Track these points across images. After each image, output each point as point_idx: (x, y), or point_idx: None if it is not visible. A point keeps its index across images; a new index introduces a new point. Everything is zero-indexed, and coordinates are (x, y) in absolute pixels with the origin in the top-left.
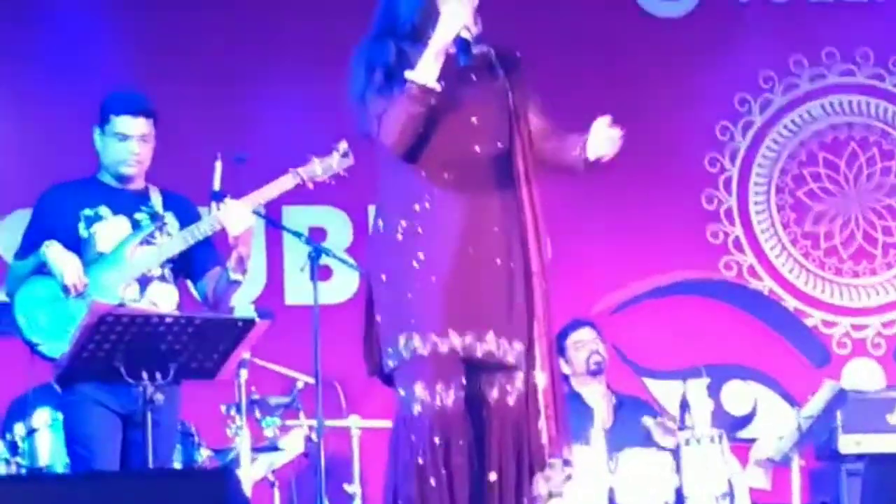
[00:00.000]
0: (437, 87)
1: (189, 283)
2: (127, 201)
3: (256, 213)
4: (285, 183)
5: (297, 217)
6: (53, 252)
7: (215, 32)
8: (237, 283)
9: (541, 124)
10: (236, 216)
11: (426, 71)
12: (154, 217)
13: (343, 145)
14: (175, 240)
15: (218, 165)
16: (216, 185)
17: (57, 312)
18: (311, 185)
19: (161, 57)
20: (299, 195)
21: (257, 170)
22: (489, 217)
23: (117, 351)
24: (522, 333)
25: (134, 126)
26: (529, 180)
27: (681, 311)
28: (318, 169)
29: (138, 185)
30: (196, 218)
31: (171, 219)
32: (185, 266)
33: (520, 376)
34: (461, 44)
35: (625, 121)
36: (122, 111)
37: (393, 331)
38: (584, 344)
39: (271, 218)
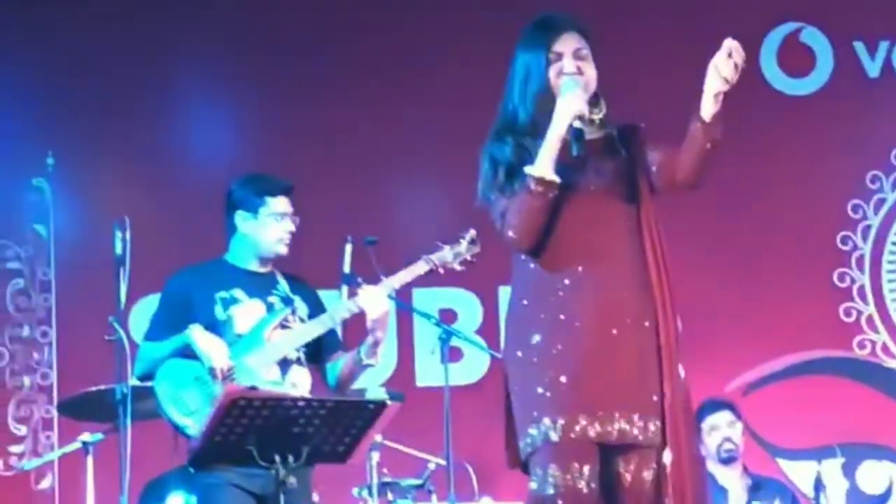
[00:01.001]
0: (556, 179)
1: (315, 366)
2: (259, 284)
3: (388, 296)
4: (418, 269)
5: (428, 299)
6: (199, 335)
7: (349, 115)
8: (369, 367)
9: (661, 156)
10: (375, 300)
11: (543, 164)
12: (286, 300)
13: (471, 233)
14: (314, 323)
15: (348, 248)
16: (346, 268)
17: (203, 395)
18: (442, 272)
19: (293, 141)
20: (429, 278)
21: (384, 254)
22: (620, 300)
23: (249, 434)
24: (656, 411)
25: (288, 205)
26: (658, 258)
27: (814, 391)
28: (449, 256)
29: (266, 268)
30: (317, 302)
31: (299, 303)
32: (316, 350)
33: (655, 456)
34: (575, 133)
35: (756, 198)
36: (279, 192)
37: (526, 418)
38: (717, 429)
39: (402, 301)
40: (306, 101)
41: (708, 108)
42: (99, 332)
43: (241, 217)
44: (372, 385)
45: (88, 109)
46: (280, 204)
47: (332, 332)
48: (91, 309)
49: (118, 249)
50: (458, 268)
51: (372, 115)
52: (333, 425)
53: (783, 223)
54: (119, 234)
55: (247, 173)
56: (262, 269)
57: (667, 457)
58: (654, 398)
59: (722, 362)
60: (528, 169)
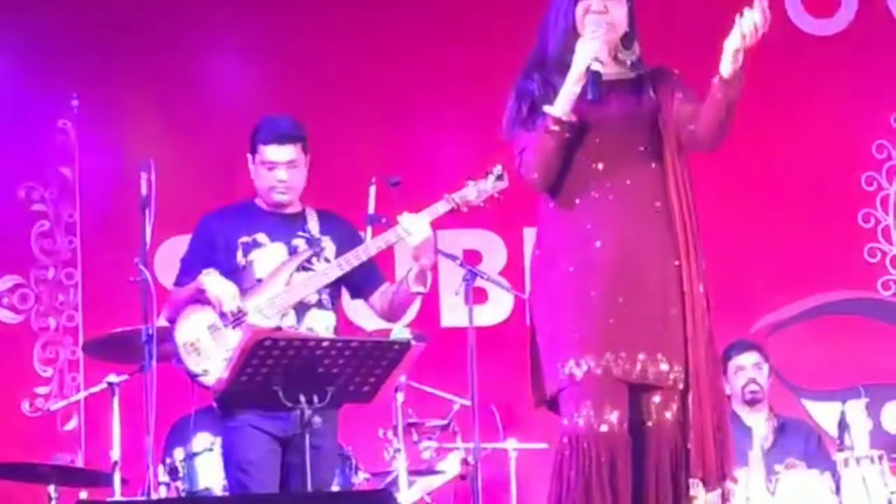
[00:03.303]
0: (572, 119)
1: (360, 301)
2: (284, 226)
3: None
4: (439, 208)
5: (452, 241)
6: (210, 281)
7: (374, 58)
8: (419, 293)
9: (689, 108)
10: (417, 226)
11: (561, 104)
12: (311, 242)
13: (498, 168)
14: (335, 265)
15: (372, 189)
16: (371, 208)
17: (217, 342)
18: (465, 210)
19: (318, 83)
20: (454, 219)
21: (411, 193)
22: (644, 239)
23: (275, 375)
24: (679, 352)
25: (281, 153)
26: (682, 199)
27: (838, 331)
28: (473, 193)
29: (295, 208)
30: (354, 238)
31: (328, 243)
32: (357, 287)
33: (678, 396)
34: (592, 76)
35: (780, 140)
36: (270, 140)
37: (552, 357)
38: (743, 371)
39: None
40: (331, 41)
41: (727, 64)
42: (124, 273)
43: (250, 161)
44: (397, 326)
45: (113, 51)
46: (270, 152)
47: (369, 267)
48: (116, 251)
49: (143, 191)
50: (481, 205)
51: (398, 52)
52: (358, 365)
53: (807, 164)
54: (144, 176)
55: (266, 115)
56: (290, 210)
57: (690, 399)
58: (679, 339)
59: (747, 304)
60: (546, 108)
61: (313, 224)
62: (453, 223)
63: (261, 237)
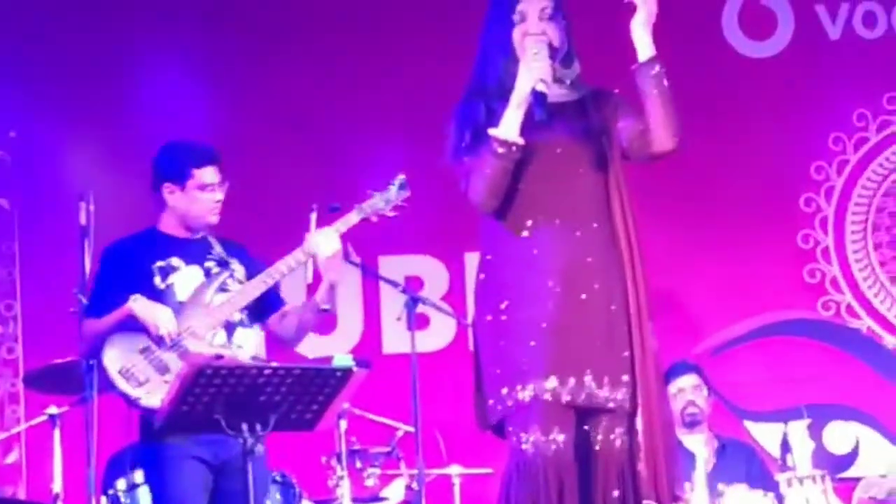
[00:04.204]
0: (519, 141)
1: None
2: (194, 250)
3: (353, 262)
4: (351, 218)
5: (394, 266)
6: (142, 306)
7: (313, 84)
8: (326, 312)
9: (634, 123)
10: (324, 240)
11: (507, 127)
12: (221, 264)
13: (401, 178)
14: (254, 283)
15: (313, 217)
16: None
17: (153, 364)
18: (374, 219)
19: (257, 109)
20: (395, 245)
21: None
22: (588, 262)
23: (216, 403)
24: (626, 374)
25: (215, 174)
26: (626, 219)
27: (780, 352)
28: (381, 202)
29: (199, 234)
30: (251, 262)
31: (237, 265)
32: (258, 310)
33: (624, 419)
34: (537, 97)
35: (719, 160)
36: (204, 162)
37: (496, 381)
38: (683, 393)
39: (368, 267)
40: (268, 68)
41: (642, 45)
42: (64, 304)
43: (167, 189)
44: (339, 352)
45: (50, 82)
46: (207, 174)
47: (271, 291)
48: (56, 282)
49: (82, 221)
50: (389, 213)
51: (337, 78)
52: (301, 393)
53: (747, 185)
54: (83, 206)
55: (170, 141)
56: (196, 236)
57: (639, 421)
58: (624, 361)
59: (688, 325)
60: (491, 131)
61: (218, 248)
62: (394, 248)
63: (175, 261)
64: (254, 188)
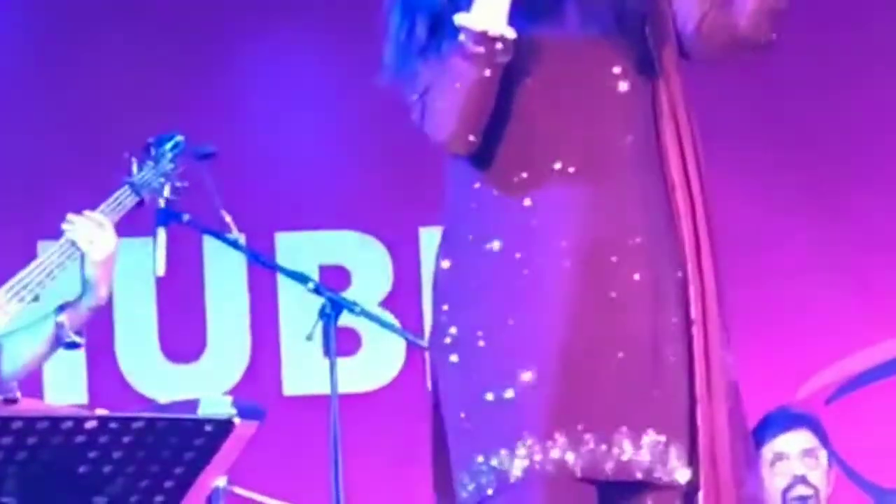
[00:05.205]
0: (508, 34)
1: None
2: None
3: (234, 244)
4: (126, 202)
5: (302, 249)
6: None
7: None
8: (74, 346)
9: None
10: (99, 236)
11: (486, 10)
12: None
13: (177, 138)
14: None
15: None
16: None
17: None
18: (162, 204)
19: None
20: (304, 214)
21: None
22: (622, 241)
23: (5, 479)
24: (684, 426)
25: None
26: (688, 168)
27: None
28: (150, 173)
29: None
30: None
31: None
32: None
33: (678, 499)
34: None
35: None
36: None
37: (468, 444)
38: (787, 462)
39: (258, 253)
40: None
41: None
42: None
43: None
44: (210, 392)
45: None
46: None
47: None
48: None
49: None
50: (164, 195)
51: None
52: (146, 461)
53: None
54: None
55: None
56: None
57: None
58: (683, 405)
59: (795, 349)
60: (461, 19)
61: None
62: (303, 222)
63: None
64: None
